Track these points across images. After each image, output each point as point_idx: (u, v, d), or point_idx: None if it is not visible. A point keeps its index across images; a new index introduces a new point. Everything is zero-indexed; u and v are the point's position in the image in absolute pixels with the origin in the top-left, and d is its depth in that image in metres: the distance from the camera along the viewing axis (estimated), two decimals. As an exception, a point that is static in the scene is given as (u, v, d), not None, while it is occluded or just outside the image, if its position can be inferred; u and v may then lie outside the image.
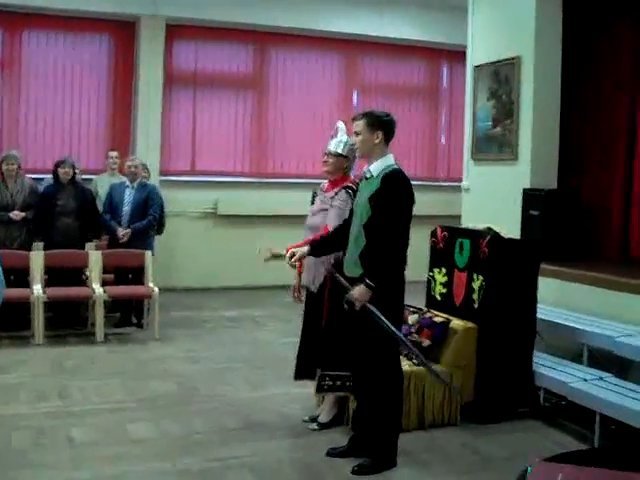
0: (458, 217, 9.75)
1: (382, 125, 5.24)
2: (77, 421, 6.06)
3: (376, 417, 5.23)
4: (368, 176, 5.26)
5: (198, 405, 6.58)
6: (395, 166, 5.21)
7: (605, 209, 8.79)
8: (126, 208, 9.57)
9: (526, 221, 8.59)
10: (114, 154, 10.98)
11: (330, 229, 5.73)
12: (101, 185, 10.57)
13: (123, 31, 12.11)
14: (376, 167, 5.21)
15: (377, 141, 5.22)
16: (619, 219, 8.70)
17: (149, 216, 9.57)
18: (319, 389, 5.96)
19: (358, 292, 5.09)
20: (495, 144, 9.39)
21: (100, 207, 9.87)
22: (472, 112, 9.88)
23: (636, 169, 8.60)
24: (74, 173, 9.50)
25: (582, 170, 9.02)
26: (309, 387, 6.24)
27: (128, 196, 9.60)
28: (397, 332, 5.10)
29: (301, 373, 6.13)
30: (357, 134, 5.26)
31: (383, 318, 5.01)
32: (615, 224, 8.72)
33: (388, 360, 5.22)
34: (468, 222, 9.14)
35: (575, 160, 9.05)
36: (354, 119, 5.31)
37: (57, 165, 9.46)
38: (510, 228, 6.83)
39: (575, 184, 8.91)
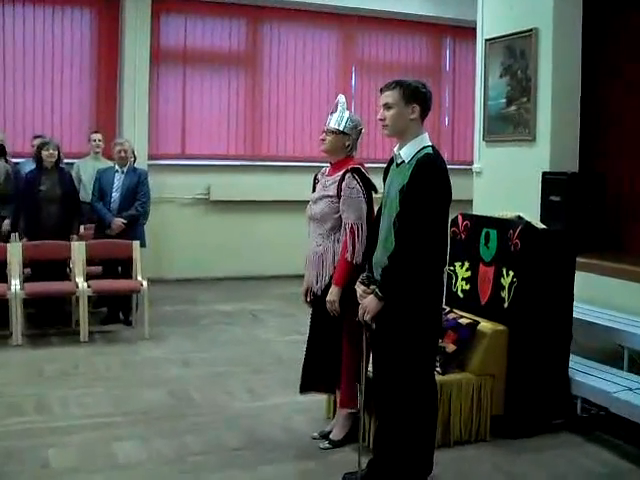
0: (466, 202, 9.08)
1: (420, 97, 4.41)
2: (55, 440, 5.34)
3: (404, 438, 4.45)
4: (399, 161, 4.45)
5: (193, 419, 5.86)
6: (429, 149, 4.37)
7: (632, 195, 8.13)
8: (115, 194, 8.92)
9: (546, 208, 7.96)
10: (97, 137, 10.37)
11: (347, 227, 5.03)
12: (84, 170, 10.01)
13: (106, 4, 11.37)
14: (409, 150, 4.38)
15: (413, 116, 4.39)
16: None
17: (138, 202, 8.92)
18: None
19: (367, 301, 4.38)
20: (510, 124, 8.77)
21: (82, 193, 9.34)
22: (483, 90, 9.24)
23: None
24: (59, 156, 8.81)
25: (606, 152, 8.38)
26: (316, 396, 5.61)
27: (117, 181, 8.95)
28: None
29: (307, 386, 5.44)
30: (388, 107, 4.39)
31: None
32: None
33: (421, 371, 4.46)
34: (481, 208, 8.56)
35: (599, 141, 8.40)
36: (384, 89, 4.47)
37: (40, 147, 8.76)
38: (528, 215, 6.12)
39: (599, 168, 8.25)
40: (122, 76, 11.35)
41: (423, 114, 4.44)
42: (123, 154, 8.96)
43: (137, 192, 8.94)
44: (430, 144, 4.41)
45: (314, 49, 12.58)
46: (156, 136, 11.69)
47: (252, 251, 11.81)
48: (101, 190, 8.95)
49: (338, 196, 5.10)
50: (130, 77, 11.28)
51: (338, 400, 5.39)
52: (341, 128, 5.17)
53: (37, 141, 9.26)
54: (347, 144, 5.22)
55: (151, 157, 11.45)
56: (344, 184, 5.08)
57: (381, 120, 4.46)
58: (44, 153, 8.64)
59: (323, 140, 5.23)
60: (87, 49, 11.35)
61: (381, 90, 4.49)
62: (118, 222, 8.75)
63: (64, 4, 11.11)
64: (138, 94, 11.33)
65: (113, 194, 8.90)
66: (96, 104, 11.46)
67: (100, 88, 11.44)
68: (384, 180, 4.64)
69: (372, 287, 4.37)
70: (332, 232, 5.16)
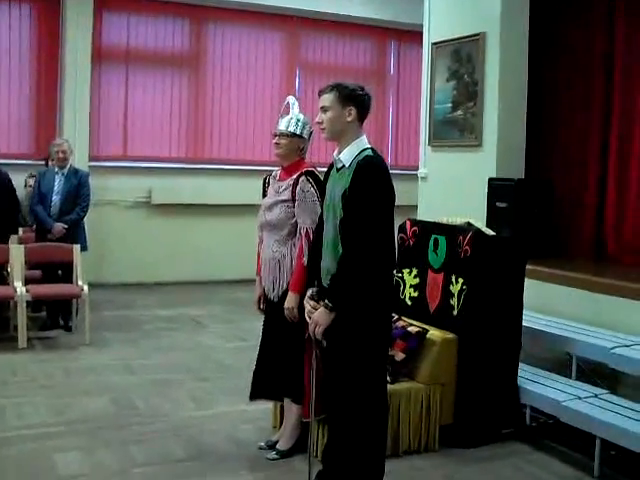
0: (411, 207, 9.06)
1: (356, 100, 4.34)
2: (-9, 454, 5.16)
3: (355, 448, 4.35)
4: (339, 166, 4.37)
5: (137, 428, 5.70)
6: (369, 151, 4.31)
7: (578, 202, 8.19)
8: (55, 198, 8.68)
9: (492, 214, 7.93)
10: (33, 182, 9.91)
11: (303, 232, 4.91)
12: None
13: (47, 0, 11.10)
14: (348, 154, 4.31)
15: (350, 119, 4.32)
16: (593, 213, 8.12)
17: (79, 206, 8.71)
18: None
19: (317, 314, 4.27)
20: (455, 129, 8.73)
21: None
22: (429, 94, 9.18)
23: (611, 158, 7.97)
24: None
25: (552, 159, 8.40)
26: (262, 404, 5.53)
27: (58, 184, 8.70)
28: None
29: (257, 393, 5.32)
30: (325, 110, 4.33)
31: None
32: (588, 219, 8.13)
33: (372, 379, 4.35)
34: (426, 213, 8.50)
35: (545, 147, 8.41)
36: (321, 92, 4.40)
37: None
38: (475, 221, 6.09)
39: (545, 174, 8.27)
40: (63, 75, 11.11)
41: (361, 117, 4.37)
42: (62, 155, 8.70)
43: (78, 195, 8.72)
44: (369, 146, 4.36)
45: (258, 50, 12.46)
46: (97, 137, 11.46)
47: (194, 255, 11.65)
48: (40, 193, 8.70)
49: (293, 200, 4.99)
50: (71, 76, 11.05)
51: (290, 409, 5.24)
52: (297, 131, 5.06)
53: None
54: (301, 147, 5.12)
55: (92, 158, 11.23)
56: (298, 188, 4.97)
57: (319, 123, 4.39)
58: None
59: (277, 144, 5.10)
60: (26, 46, 11.07)
61: (319, 93, 4.43)
62: (59, 227, 8.55)
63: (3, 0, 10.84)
64: (79, 94, 11.11)
65: (53, 197, 8.66)
66: (36, 103, 11.18)
67: (40, 87, 11.18)
68: (324, 186, 4.57)
69: (322, 303, 4.28)
70: (289, 237, 5.02)
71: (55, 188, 8.69)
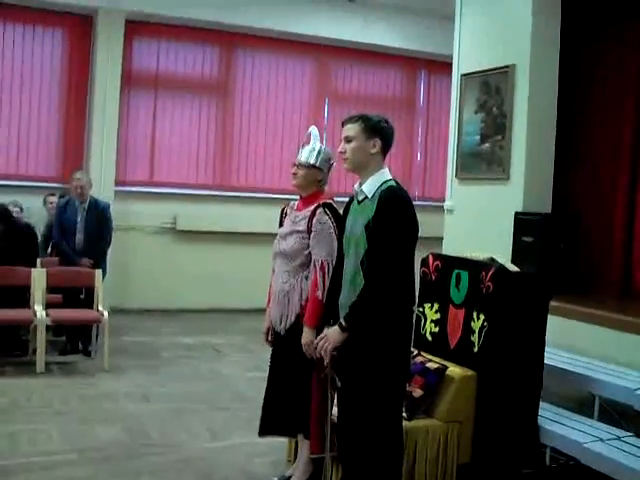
0: (435, 239, 8.95)
1: (381, 132, 4.29)
2: (2, 480, 5.09)
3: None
4: (361, 198, 4.31)
5: (150, 458, 5.62)
6: (392, 182, 4.25)
7: (606, 237, 8.05)
8: (79, 235, 8.73)
9: (518, 248, 7.80)
10: (53, 199, 10.05)
11: (318, 264, 4.83)
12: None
13: (79, 26, 11.24)
14: (371, 185, 4.25)
15: (374, 151, 4.27)
16: (621, 249, 7.97)
17: (103, 242, 8.83)
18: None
19: (330, 331, 4.23)
20: (483, 162, 8.61)
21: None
22: (457, 126, 9.08)
23: (640, 193, 7.85)
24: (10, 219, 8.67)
25: (580, 193, 8.27)
26: (278, 438, 5.40)
27: (80, 221, 8.72)
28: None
29: (266, 429, 5.22)
30: (349, 140, 4.29)
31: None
32: (616, 255, 7.98)
33: (387, 416, 4.26)
34: (451, 246, 8.40)
35: (573, 182, 8.30)
36: (346, 122, 4.36)
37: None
38: (500, 256, 5.95)
39: (572, 207, 8.14)
40: (92, 99, 11.15)
41: (384, 149, 4.32)
42: (80, 190, 8.71)
43: (101, 230, 8.77)
44: (392, 178, 4.30)
45: (287, 78, 12.45)
46: (124, 162, 11.49)
47: (217, 283, 11.60)
48: (62, 227, 8.73)
49: (308, 232, 4.90)
50: (100, 100, 11.09)
51: (304, 445, 5.15)
52: (313, 162, 4.99)
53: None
54: (319, 178, 5.04)
55: (118, 183, 11.26)
56: (315, 219, 4.89)
57: (341, 153, 4.33)
58: None
59: (295, 174, 5.04)
60: (57, 70, 11.16)
61: (343, 123, 4.38)
62: (86, 262, 8.62)
63: (35, 24, 10.95)
64: (108, 118, 11.13)
65: (77, 235, 8.69)
66: (64, 127, 11.25)
67: (69, 111, 11.24)
68: (344, 219, 4.50)
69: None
70: (300, 269, 4.95)
71: (78, 225, 8.71)
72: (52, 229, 9.04)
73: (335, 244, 4.73)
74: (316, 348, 4.34)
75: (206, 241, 11.70)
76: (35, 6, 10.73)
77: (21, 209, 9.38)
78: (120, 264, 10.50)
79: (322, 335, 4.28)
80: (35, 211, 10.21)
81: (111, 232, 8.93)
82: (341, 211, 4.77)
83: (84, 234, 8.68)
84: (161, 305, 11.35)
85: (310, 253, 4.89)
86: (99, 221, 8.75)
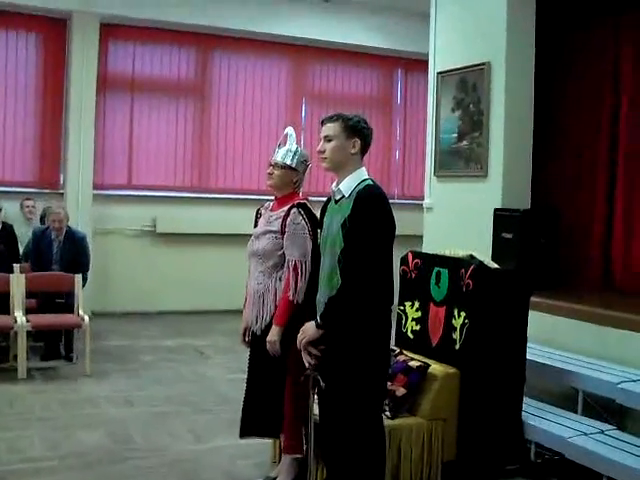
0: (415, 237, 8.99)
1: (361, 132, 4.29)
2: (-18, 489, 5.06)
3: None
4: (338, 197, 4.30)
5: (133, 462, 5.59)
6: (369, 181, 4.24)
7: (585, 232, 8.09)
8: (55, 267, 8.68)
9: (498, 245, 7.82)
10: (30, 203, 10.14)
11: (291, 264, 4.83)
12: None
13: (53, 29, 11.16)
14: (348, 185, 4.24)
15: (353, 151, 4.26)
16: (600, 244, 7.99)
17: (82, 269, 8.71)
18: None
19: (307, 326, 4.23)
20: (461, 159, 8.63)
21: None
22: (434, 124, 9.09)
23: (619, 187, 7.88)
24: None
25: (559, 189, 8.31)
26: (261, 439, 5.37)
27: (56, 254, 8.73)
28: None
29: (247, 430, 5.20)
30: (328, 140, 4.27)
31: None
32: (596, 250, 8.01)
33: (368, 414, 4.26)
34: (431, 244, 8.41)
35: (551, 177, 8.33)
36: (325, 121, 4.34)
37: None
38: (480, 252, 5.96)
39: (551, 204, 8.16)
40: (68, 103, 11.08)
41: (363, 149, 4.32)
42: (57, 224, 8.68)
43: (78, 263, 8.72)
44: (369, 177, 4.29)
45: (264, 79, 12.42)
46: (102, 165, 11.43)
47: (198, 285, 11.58)
48: (37, 258, 8.71)
49: (282, 232, 4.90)
50: (76, 104, 11.01)
51: (282, 445, 5.15)
52: (289, 163, 4.98)
53: None
54: (295, 179, 5.03)
55: (96, 187, 11.20)
56: (289, 220, 4.88)
57: (320, 152, 4.31)
58: None
59: (270, 174, 5.04)
60: (32, 74, 11.08)
61: (322, 122, 4.37)
62: None
63: (9, 28, 10.86)
64: (84, 122, 11.06)
65: (53, 266, 8.67)
66: (41, 131, 11.17)
67: (45, 115, 11.17)
68: (321, 218, 4.50)
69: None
70: (274, 270, 4.95)
71: (54, 257, 8.72)
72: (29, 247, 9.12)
73: (309, 244, 4.74)
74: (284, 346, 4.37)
75: (186, 243, 11.67)
76: (9, 10, 10.65)
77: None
78: (100, 268, 10.45)
79: (301, 329, 4.28)
80: (12, 216, 10.15)
81: (89, 261, 8.94)
82: (317, 211, 4.77)
83: (60, 265, 8.67)
84: (142, 308, 11.30)
85: (284, 253, 4.88)
86: (76, 252, 8.77)
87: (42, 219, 9.68)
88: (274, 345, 4.77)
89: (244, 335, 5.22)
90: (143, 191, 11.63)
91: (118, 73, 11.54)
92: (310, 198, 5.07)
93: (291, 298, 4.76)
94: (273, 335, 4.78)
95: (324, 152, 4.30)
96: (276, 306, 4.88)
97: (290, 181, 5.01)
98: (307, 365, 4.29)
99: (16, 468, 5.38)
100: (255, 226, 5.20)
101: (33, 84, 11.09)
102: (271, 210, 5.10)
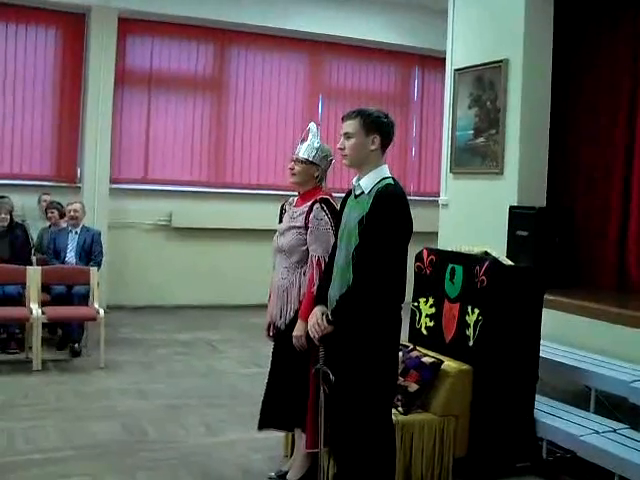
0: (432, 234, 8.97)
1: (381, 128, 4.25)
2: (-1, 477, 5.08)
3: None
4: (358, 192, 4.29)
5: (146, 455, 5.61)
6: (390, 180, 4.22)
7: (601, 231, 8.04)
8: (70, 255, 8.95)
9: (513, 242, 7.81)
10: (48, 198, 10.18)
11: (314, 260, 4.83)
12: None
13: (72, 24, 11.20)
14: (368, 181, 4.22)
15: (373, 147, 4.23)
16: (615, 243, 7.95)
17: (94, 262, 8.87)
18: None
19: (320, 318, 4.24)
20: (477, 156, 8.62)
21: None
22: (451, 121, 9.09)
23: (634, 186, 7.84)
24: (11, 218, 8.83)
25: (574, 187, 8.28)
26: (274, 432, 5.39)
27: (72, 242, 8.97)
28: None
29: (266, 422, 5.21)
30: (348, 137, 4.25)
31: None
32: (611, 248, 7.97)
33: (377, 410, 4.25)
34: (446, 240, 8.41)
35: (567, 176, 8.30)
36: (345, 118, 4.31)
37: None
38: (495, 250, 5.95)
39: (567, 202, 8.14)
40: (86, 97, 11.11)
41: (384, 145, 4.29)
42: (74, 214, 8.97)
43: (92, 252, 8.94)
44: (390, 175, 4.27)
45: (281, 75, 12.44)
46: (119, 159, 11.46)
47: (213, 280, 11.61)
48: (55, 251, 8.95)
49: (306, 227, 4.90)
50: (94, 98, 11.04)
51: (301, 439, 5.14)
52: (311, 158, 4.98)
53: None
54: (316, 175, 5.02)
55: (113, 181, 11.23)
56: (312, 215, 4.88)
57: (341, 149, 4.30)
58: None
59: (292, 169, 5.04)
60: (51, 69, 11.12)
61: (342, 119, 4.34)
62: None
63: (28, 22, 10.91)
64: (102, 116, 11.08)
65: (68, 254, 8.90)
66: (58, 125, 11.21)
67: (63, 109, 11.21)
68: (341, 212, 4.48)
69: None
70: (298, 265, 4.95)
71: (69, 246, 8.93)
72: (42, 240, 9.35)
73: (332, 240, 4.71)
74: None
75: (201, 238, 11.68)
76: (28, 4, 10.70)
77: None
78: (115, 261, 10.52)
79: (311, 315, 4.31)
80: (29, 210, 10.23)
81: (101, 256, 9.06)
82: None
83: (74, 254, 8.90)
84: (156, 302, 11.34)
85: (308, 249, 4.89)
86: (90, 244, 8.97)
87: (45, 212, 9.77)
88: (300, 340, 4.76)
89: (268, 329, 5.22)
90: (159, 185, 11.66)
91: (136, 68, 11.58)
92: (334, 195, 5.06)
93: (315, 293, 4.76)
94: (298, 330, 4.76)
95: (344, 149, 4.29)
96: (300, 301, 4.88)
97: (312, 176, 5.01)
98: (318, 358, 4.30)
99: (31, 458, 5.42)
100: (280, 222, 5.20)
101: (51, 78, 11.13)
102: (295, 206, 5.10)
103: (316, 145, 5.01)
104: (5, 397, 6.80)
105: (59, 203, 9.63)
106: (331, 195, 5.01)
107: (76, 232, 8.96)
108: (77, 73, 11.20)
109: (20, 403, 6.69)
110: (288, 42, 12.39)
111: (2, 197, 9.16)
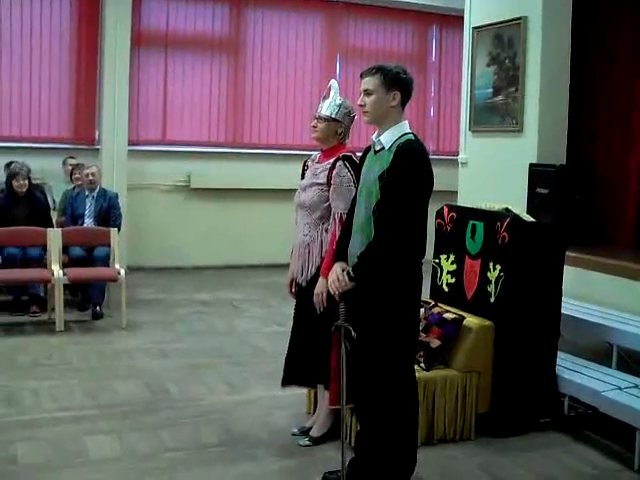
0: (451, 192, 8.94)
1: (400, 83, 4.22)
2: (24, 434, 5.14)
3: (386, 436, 4.27)
4: (378, 148, 4.26)
5: (169, 412, 5.67)
6: (411, 135, 4.20)
7: (621, 187, 8.01)
8: (88, 220, 8.96)
9: (533, 200, 7.80)
10: (73, 162, 10.15)
11: (337, 216, 4.83)
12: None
13: (87, -15, 11.07)
14: (388, 137, 4.20)
15: (394, 104, 4.21)
16: (635, 200, 7.92)
17: (113, 226, 8.80)
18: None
19: (341, 275, 4.21)
20: (497, 114, 8.59)
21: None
22: (470, 79, 9.05)
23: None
24: (29, 183, 8.79)
25: (594, 144, 8.24)
26: (297, 390, 5.45)
27: (89, 207, 8.97)
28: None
29: (289, 379, 5.25)
30: (368, 94, 4.22)
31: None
32: (631, 205, 7.94)
33: (400, 366, 4.27)
34: (466, 199, 8.38)
35: (587, 132, 8.25)
36: (364, 74, 4.28)
37: (10, 177, 8.69)
38: (515, 207, 5.93)
39: (587, 160, 8.10)
40: (102, 60, 11.05)
41: (404, 101, 4.26)
42: (91, 177, 8.94)
43: (109, 216, 8.93)
44: (411, 131, 4.25)
45: (298, 35, 12.34)
46: (136, 121, 11.42)
47: (233, 240, 11.61)
48: (73, 215, 8.97)
49: (328, 184, 4.90)
50: (110, 61, 10.97)
51: (324, 396, 5.17)
52: (333, 115, 4.97)
53: (7, 170, 9.12)
54: (339, 131, 5.01)
55: (131, 142, 11.21)
56: (335, 172, 4.88)
57: (361, 106, 4.27)
58: (14, 184, 8.61)
59: (315, 127, 5.02)
60: (66, 31, 11.03)
61: (361, 75, 4.31)
62: None
63: (44, -15, 10.84)
64: (118, 78, 11.00)
65: (86, 220, 8.92)
66: (76, 88, 11.15)
67: (80, 72, 11.14)
68: (360, 168, 4.46)
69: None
70: (320, 221, 4.96)
71: (87, 211, 8.94)
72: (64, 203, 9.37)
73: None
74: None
75: (220, 198, 11.65)
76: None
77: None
78: (134, 223, 10.53)
79: (331, 272, 4.30)
80: (49, 173, 10.25)
81: (120, 219, 9.03)
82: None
83: (92, 220, 8.91)
84: (176, 263, 11.36)
85: (330, 206, 4.89)
86: (107, 208, 8.96)
87: (71, 174, 9.80)
88: (320, 297, 4.76)
89: (290, 286, 5.23)
90: (177, 147, 11.62)
91: (152, 29, 11.48)
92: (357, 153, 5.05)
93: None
94: (320, 287, 4.76)
95: (364, 106, 4.26)
96: (322, 258, 4.89)
97: (334, 133, 5.00)
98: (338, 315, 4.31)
99: (57, 416, 5.51)
100: (302, 178, 5.20)
101: (67, 41, 11.06)
102: (317, 162, 5.10)
103: (338, 102, 5.00)
104: (30, 357, 6.88)
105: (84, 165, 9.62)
106: (354, 152, 5.00)
107: (93, 196, 8.94)
108: (93, 35, 11.11)
109: (45, 363, 6.77)
110: (304, 2, 12.29)
111: (16, 163, 9.09)
